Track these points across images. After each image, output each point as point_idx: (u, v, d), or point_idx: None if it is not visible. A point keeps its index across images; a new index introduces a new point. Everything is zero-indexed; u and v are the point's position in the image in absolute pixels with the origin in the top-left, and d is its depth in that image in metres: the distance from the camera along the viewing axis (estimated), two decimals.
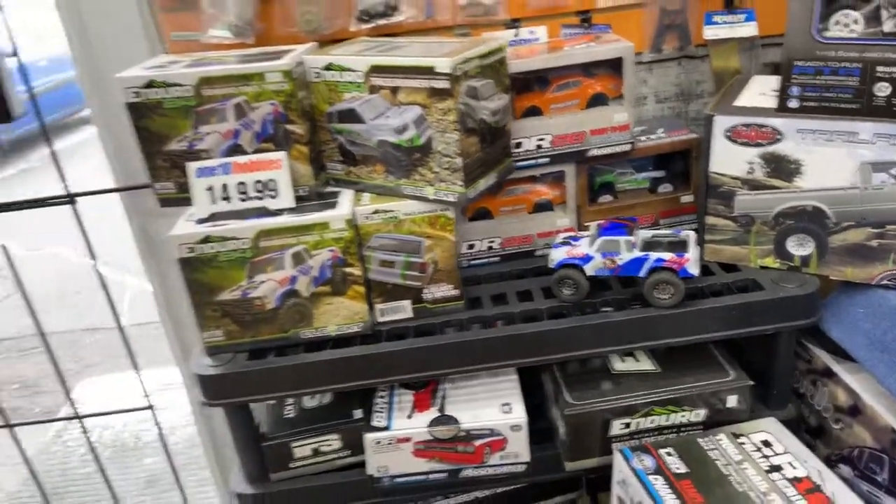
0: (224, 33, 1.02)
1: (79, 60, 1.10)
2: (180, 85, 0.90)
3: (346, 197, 0.96)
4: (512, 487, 1.15)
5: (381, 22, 1.04)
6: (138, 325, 3.62)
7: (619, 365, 1.04)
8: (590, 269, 0.97)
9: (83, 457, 2.53)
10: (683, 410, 0.99)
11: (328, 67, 0.91)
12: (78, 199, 1.23)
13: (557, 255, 0.98)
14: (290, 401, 1.09)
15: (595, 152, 1.05)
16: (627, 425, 0.99)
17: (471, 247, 1.11)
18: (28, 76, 1.32)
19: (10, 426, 1.45)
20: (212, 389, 0.97)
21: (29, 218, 1.36)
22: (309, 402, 1.09)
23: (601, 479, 1.16)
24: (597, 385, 1.01)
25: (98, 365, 3.20)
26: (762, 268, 1.01)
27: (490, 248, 1.12)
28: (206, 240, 0.90)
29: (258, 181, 0.93)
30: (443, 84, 0.83)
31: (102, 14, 1.08)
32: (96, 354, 3.34)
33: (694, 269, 0.93)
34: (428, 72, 0.83)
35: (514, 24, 1.11)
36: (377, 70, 0.87)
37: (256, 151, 0.94)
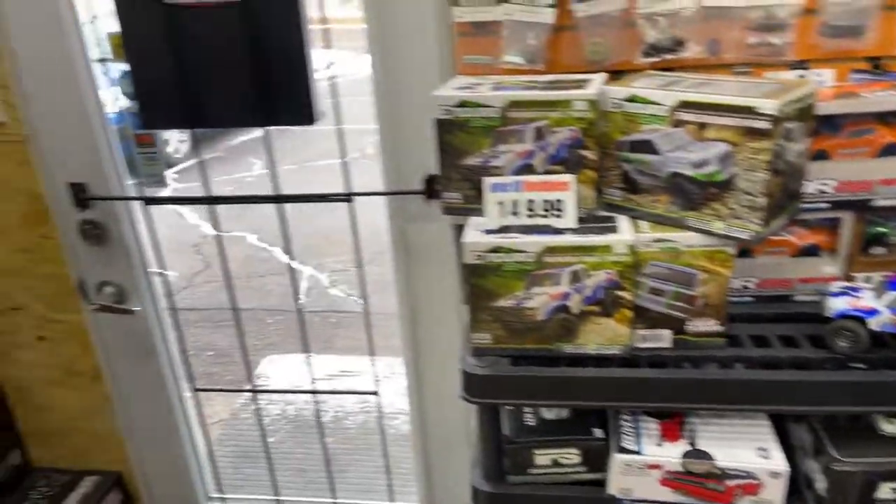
0: (518, 59, 1.09)
1: (378, 77, 1.23)
2: (489, 106, 0.98)
3: (624, 223, 1.00)
4: None
5: (668, 57, 1.07)
6: (314, 311, 3.90)
7: (888, 427, 0.99)
8: (874, 323, 0.93)
9: (269, 426, 2.77)
10: None
11: (631, 99, 0.95)
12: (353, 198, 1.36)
13: (837, 305, 0.96)
14: (530, 409, 1.14)
15: (881, 202, 1.01)
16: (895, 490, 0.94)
17: None
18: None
19: (254, 391, 1.62)
20: (475, 387, 1.03)
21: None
22: (547, 414, 1.13)
23: None
24: (864, 444, 0.97)
25: (278, 344, 3.48)
26: None
27: (745, 287, 1.11)
28: (496, 249, 0.97)
29: (546, 200, 0.99)
30: (763, 125, 0.84)
31: (402, 36, 1.20)
32: (275, 334, 3.64)
33: None
34: (746, 111, 0.85)
35: (799, 65, 1.09)
36: (686, 106, 0.90)
37: (546, 172, 1.00)
